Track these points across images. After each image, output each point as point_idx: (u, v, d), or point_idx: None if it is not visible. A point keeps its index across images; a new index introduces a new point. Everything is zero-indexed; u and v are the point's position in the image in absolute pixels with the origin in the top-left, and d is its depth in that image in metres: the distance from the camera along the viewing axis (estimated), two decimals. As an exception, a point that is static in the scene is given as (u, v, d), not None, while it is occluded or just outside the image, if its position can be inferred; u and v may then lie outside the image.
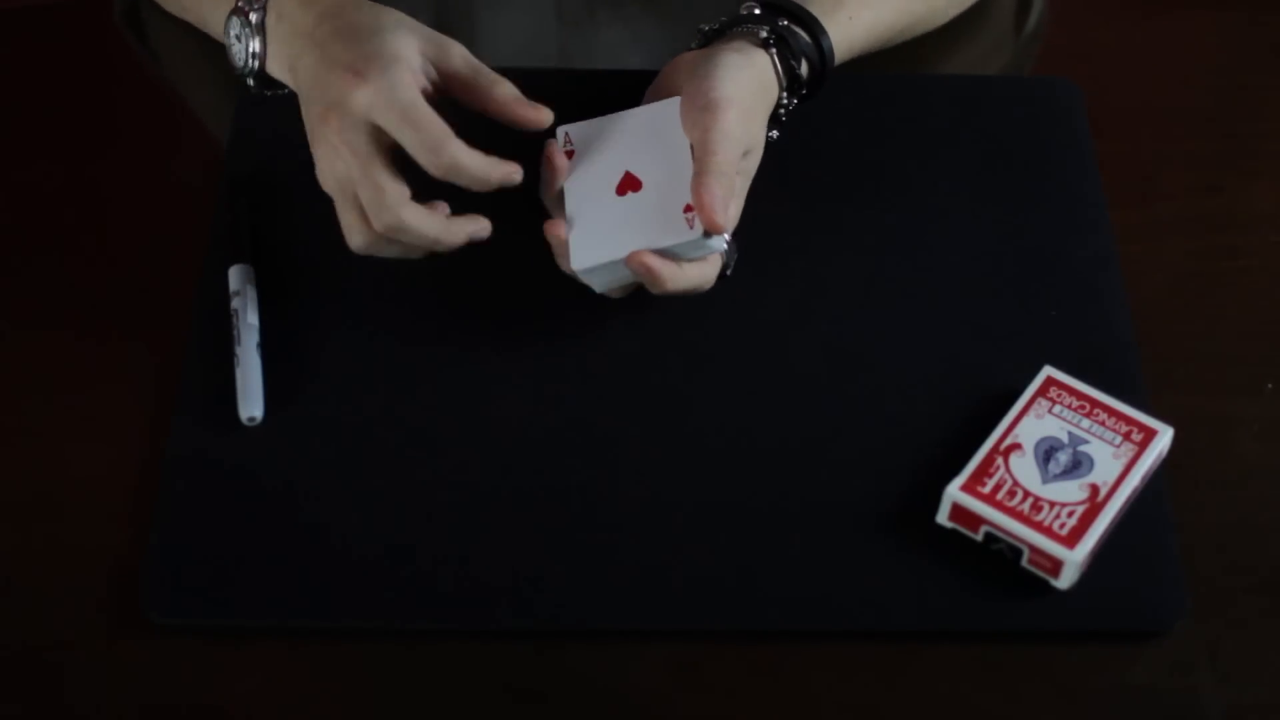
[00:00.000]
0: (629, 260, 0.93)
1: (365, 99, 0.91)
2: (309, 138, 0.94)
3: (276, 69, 0.98)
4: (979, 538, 0.91)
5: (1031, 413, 0.93)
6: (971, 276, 1.02)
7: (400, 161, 0.92)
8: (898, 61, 1.12)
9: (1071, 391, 0.94)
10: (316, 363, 0.98)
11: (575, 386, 0.97)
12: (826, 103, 1.04)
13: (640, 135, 0.97)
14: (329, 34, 0.94)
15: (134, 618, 0.89)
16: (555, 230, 0.96)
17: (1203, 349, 1.01)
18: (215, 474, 0.94)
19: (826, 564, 0.91)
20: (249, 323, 0.97)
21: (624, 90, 1.00)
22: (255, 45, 0.98)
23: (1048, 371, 0.95)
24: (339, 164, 0.93)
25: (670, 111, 0.97)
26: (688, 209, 0.93)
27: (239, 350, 0.96)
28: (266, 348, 0.97)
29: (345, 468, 0.94)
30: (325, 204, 0.99)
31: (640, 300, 1.00)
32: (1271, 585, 0.92)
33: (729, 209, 0.94)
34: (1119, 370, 0.97)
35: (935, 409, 0.96)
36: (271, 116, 1.04)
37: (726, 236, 0.95)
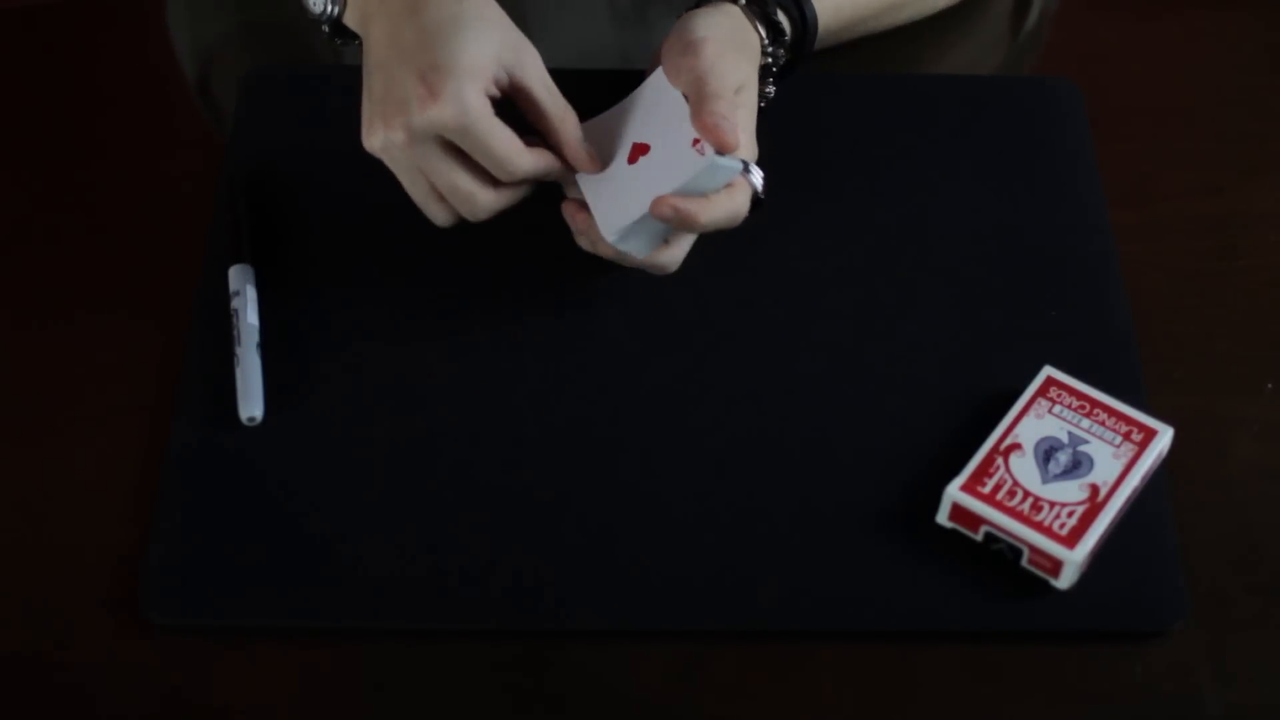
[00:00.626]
0: (654, 210, 0.93)
1: (435, 118, 0.91)
2: (367, 111, 0.94)
3: (353, 21, 0.97)
4: (979, 538, 0.91)
5: (1031, 413, 0.93)
6: (971, 276, 1.02)
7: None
8: (898, 62, 1.12)
9: (1071, 391, 0.94)
10: (316, 363, 0.98)
11: (576, 386, 0.97)
12: (826, 102, 1.04)
13: (639, 110, 0.98)
14: (404, 8, 0.93)
15: (134, 618, 0.89)
16: (569, 210, 0.96)
17: (1203, 349, 1.01)
18: (215, 474, 0.94)
19: (826, 564, 0.91)
20: (249, 323, 0.97)
21: None
22: (330, 4, 0.97)
23: (1048, 371, 0.95)
24: (405, 162, 0.93)
25: (658, 80, 0.98)
26: (695, 143, 0.94)
27: (239, 350, 0.96)
28: (266, 348, 0.97)
29: (345, 468, 0.94)
30: (325, 204, 0.99)
31: (641, 299, 1.00)
32: (1271, 585, 0.92)
33: (736, 129, 0.93)
34: (1119, 370, 0.97)
35: (935, 409, 0.96)
36: (272, 117, 1.04)
37: (743, 157, 0.95)
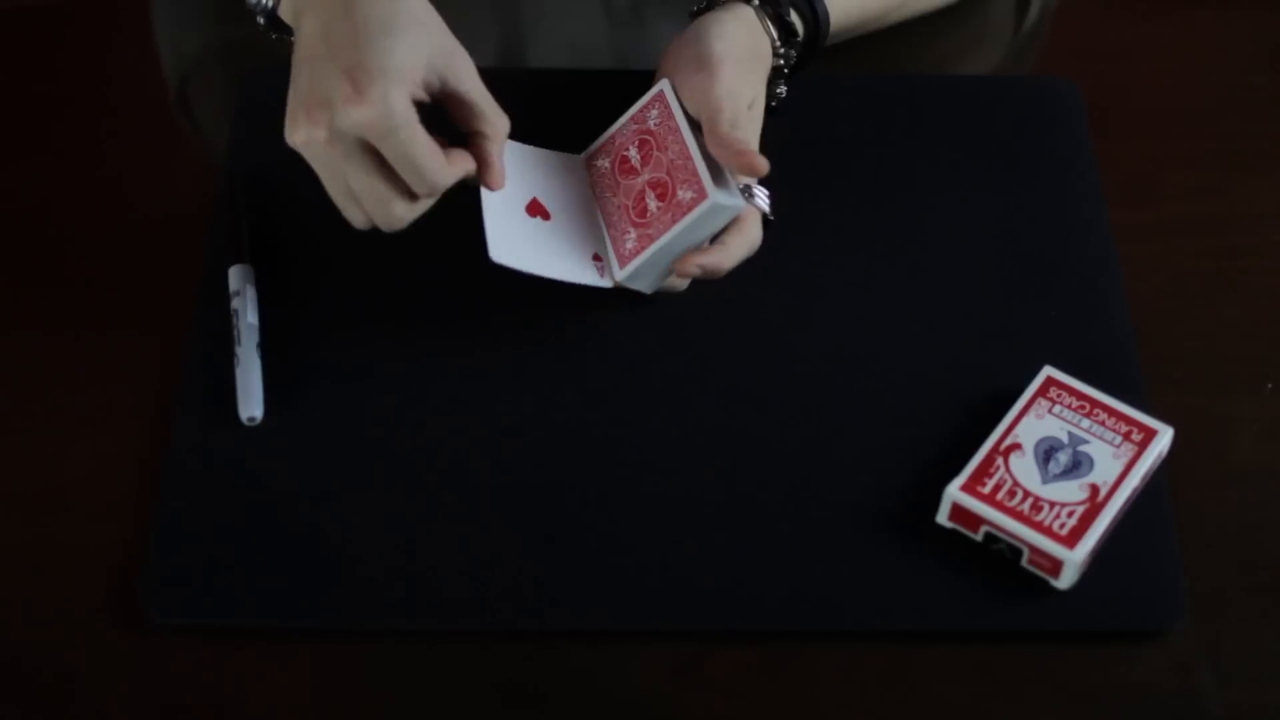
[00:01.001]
0: (680, 271, 0.95)
1: (359, 119, 0.89)
2: (291, 104, 0.92)
3: (287, 13, 0.96)
4: (979, 538, 0.91)
5: (1031, 413, 0.93)
6: (971, 276, 1.02)
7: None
8: (897, 61, 1.12)
9: (1071, 391, 0.94)
10: (316, 363, 0.98)
11: (575, 387, 0.97)
12: (827, 103, 1.04)
13: (645, 133, 0.98)
14: (339, 7, 0.92)
15: (134, 618, 0.89)
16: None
17: (1203, 349, 1.01)
18: (215, 474, 0.94)
19: (826, 564, 0.91)
20: (249, 323, 0.97)
21: None
22: None
23: (1048, 371, 0.95)
24: (325, 161, 0.92)
25: (660, 99, 0.98)
26: (695, 180, 0.94)
27: (239, 350, 0.96)
28: (266, 348, 0.97)
29: (345, 468, 0.94)
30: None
31: (640, 300, 1.00)
32: (1271, 585, 0.92)
33: (760, 157, 0.94)
34: (1119, 370, 0.97)
35: (935, 409, 0.96)
36: (272, 117, 1.04)
37: (737, 188, 0.96)
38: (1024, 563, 0.90)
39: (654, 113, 0.99)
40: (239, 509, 0.92)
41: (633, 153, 0.99)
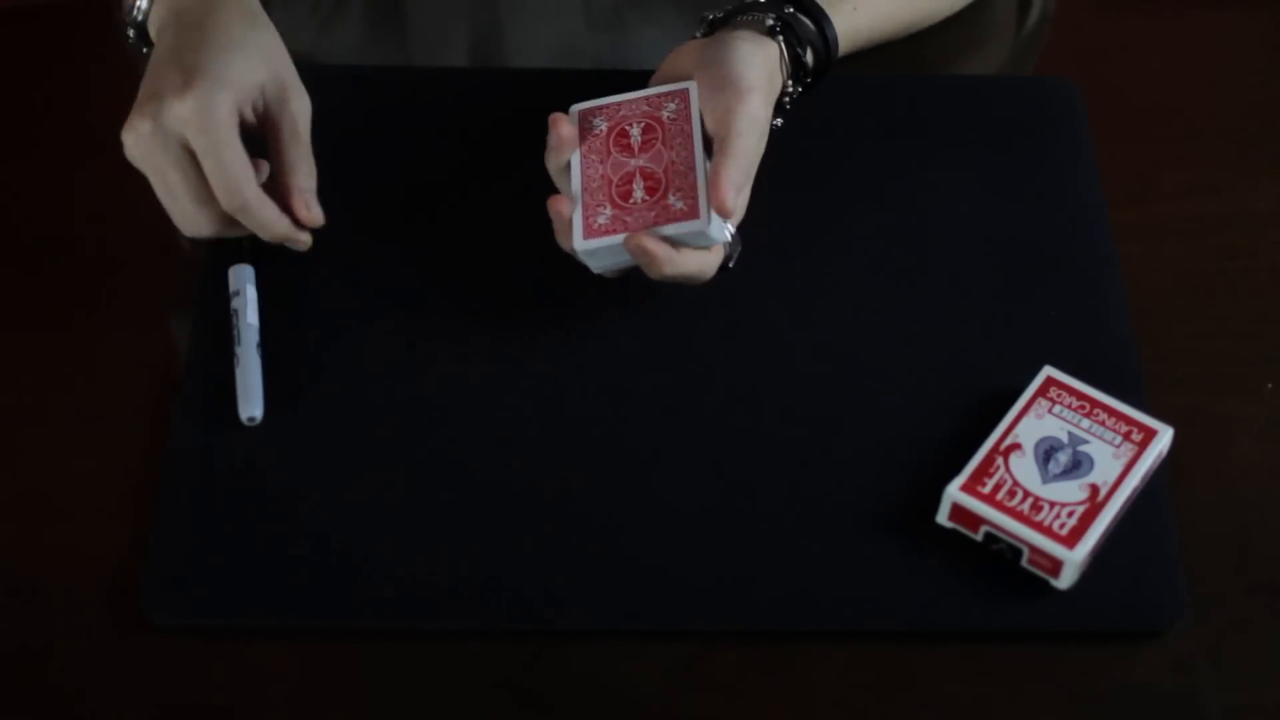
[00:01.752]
0: (626, 243, 0.93)
1: (181, 113, 0.92)
2: (135, 104, 0.95)
3: (153, 28, 0.99)
4: (979, 538, 0.91)
5: (1031, 413, 0.93)
6: (972, 276, 1.02)
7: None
8: (898, 61, 1.12)
9: (1071, 391, 0.94)
10: (316, 363, 0.98)
11: (575, 387, 0.97)
12: (827, 103, 1.04)
13: (653, 120, 0.97)
14: (194, 22, 0.95)
15: (134, 618, 0.89)
16: (558, 206, 0.95)
17: (1203, 349, 1.01)
18: (215, 474, 0.94)
19: (827, 564, 0.91)
20: (249, 323, 0.97)
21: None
22: (143, 2, 0.99)
23: (1048, 371, 0.95)
24: (146, 159, 0.94)
25: (683, 96, 0.97)
26: (692, 196, 0.93)
27: (239, 350, 0.96)
28: (266, 348, 0.97)
29: (345, 468, 0.94)
30: (325, 204, 0.99)
31: (640, 300, 1.00)
32: (1271, 585, 0.92)
33: (739, 201, 0.94)
34: (1119, 370, 0.97)
35: (935, 409, 0.96)
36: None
37: (730, 228, 0.95)
38: (1024, 563, 0.90)
39: (672, 105, 0.98)
40: (239, 509, 0.92)
41: (634, 131, 0.97)
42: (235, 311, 0.98)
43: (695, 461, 0.94)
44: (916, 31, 1.11)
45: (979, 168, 1.07)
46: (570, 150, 0.96)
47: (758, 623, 0.90)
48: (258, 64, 0.95)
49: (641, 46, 1.14)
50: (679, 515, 0.93)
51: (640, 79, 1.02)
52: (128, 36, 1.00)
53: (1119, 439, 0.92)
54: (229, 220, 0.95)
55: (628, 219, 0.94)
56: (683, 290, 0.99)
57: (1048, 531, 0.89)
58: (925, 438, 0.95)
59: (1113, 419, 0.93)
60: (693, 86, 0.98)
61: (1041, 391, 0.94)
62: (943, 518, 0.91)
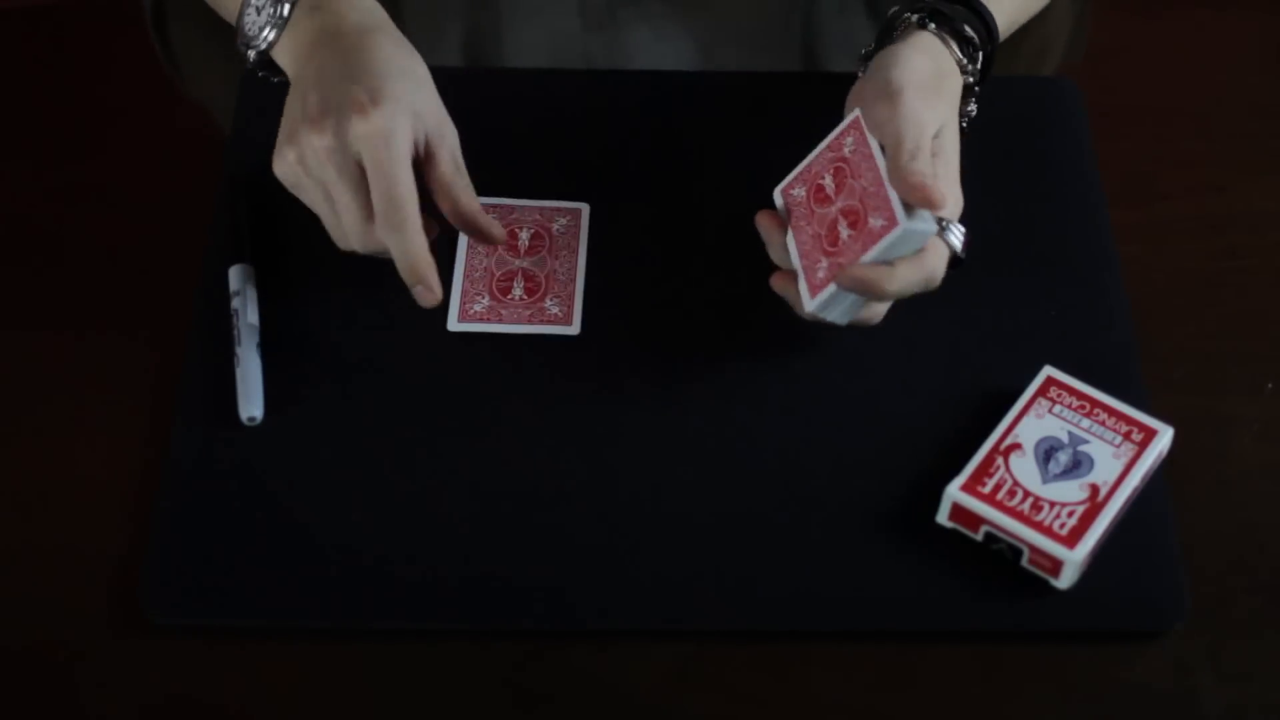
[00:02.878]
0: (839, 282, 0.92)
1: (365, 130, 0.91)
2: (286, 128, 0.94)
3: (288, 54, 0.98)
4: (979, 538, 0.91)
5: (1031, 413, 0.93)
6: (972, 276, 1.02)
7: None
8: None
9: (1071, 391, 0.94)
10: (316, 363, 0.98)
11: (576, 387, 0.97)
12: (827, 102, 1.04)
13: (838, 163, 0.97)
14: (353, 47, 0.94)
15: (134, 618, 0.89)
16: (779, 282, 0.95)
17: (1203, 349, 1.01)
18: (215, 474, 0.94)
19: (826, 564, 0.91)
20: (249, 323, 0.97)
21: (654, 90, 1.00)
22: (271, 34, 0.98)
23: (1048, 371, 0.95)
24: (317, 164, 0.93)
25: (856, 125, 0.97)
26: (886, 208, 0.92)
27: (239, 350, 0.96)
28: (266, 348, 0.97)
29: (345, 468, 0.94)
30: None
31: (642, 300, 1.00)
32: (1271, 585, 0.92)
33: (939, 188, 0.91)
34: (1119, 370, 0.97)
35: (935, 409, 0.96)
36: (272, 117, 1.04)
37: (943, 214, 0.93)
38: (1024, 563, 0.90)
39: (849, 140, 0.97)
40: (239, 509, 0.92)
41: (828, 180, 0.96)
42: (235, 311, 0.98)
43: (696, 462, 0.94)
44: (1037, 12, 1.11)
45: (979, 168, 1.07)
46: (781, 233, 0.96)
47: (758, 623, 0.90)
48: (425, 92, 0.95)
49: (635, 45, 1.14)
50: (679, 515, 0.92)
51: (634, 78, 1.02)
52: (246, 59, 0.99)
53: (1119, 439, 0.92)
54: (379, 243, 0.94)
55: (840, 259, 0.93)
56: (684, 287, 0.99)
57: (1048, 531, 0.89)
58: (925, 438, 0.95)
59: (1113, 419, 0.93)
60: (859, 112, 0.97)
61: (1041, 391, 0.94)
62: (943, 518, 0.91)
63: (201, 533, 0.92)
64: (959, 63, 0.99)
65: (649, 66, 1.11)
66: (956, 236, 0.94)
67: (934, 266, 0.93)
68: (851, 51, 1.06)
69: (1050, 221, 1.05)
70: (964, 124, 1.01)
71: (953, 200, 0.94)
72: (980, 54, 1.00)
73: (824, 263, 0.93)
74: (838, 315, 0.95)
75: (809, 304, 0.94)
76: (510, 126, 1.06)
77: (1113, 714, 0.88)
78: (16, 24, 1.16)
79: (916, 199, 0.90)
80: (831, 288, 0.92)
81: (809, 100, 1.04)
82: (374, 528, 0.92)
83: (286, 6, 0.97)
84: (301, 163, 0.93)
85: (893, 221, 0.91)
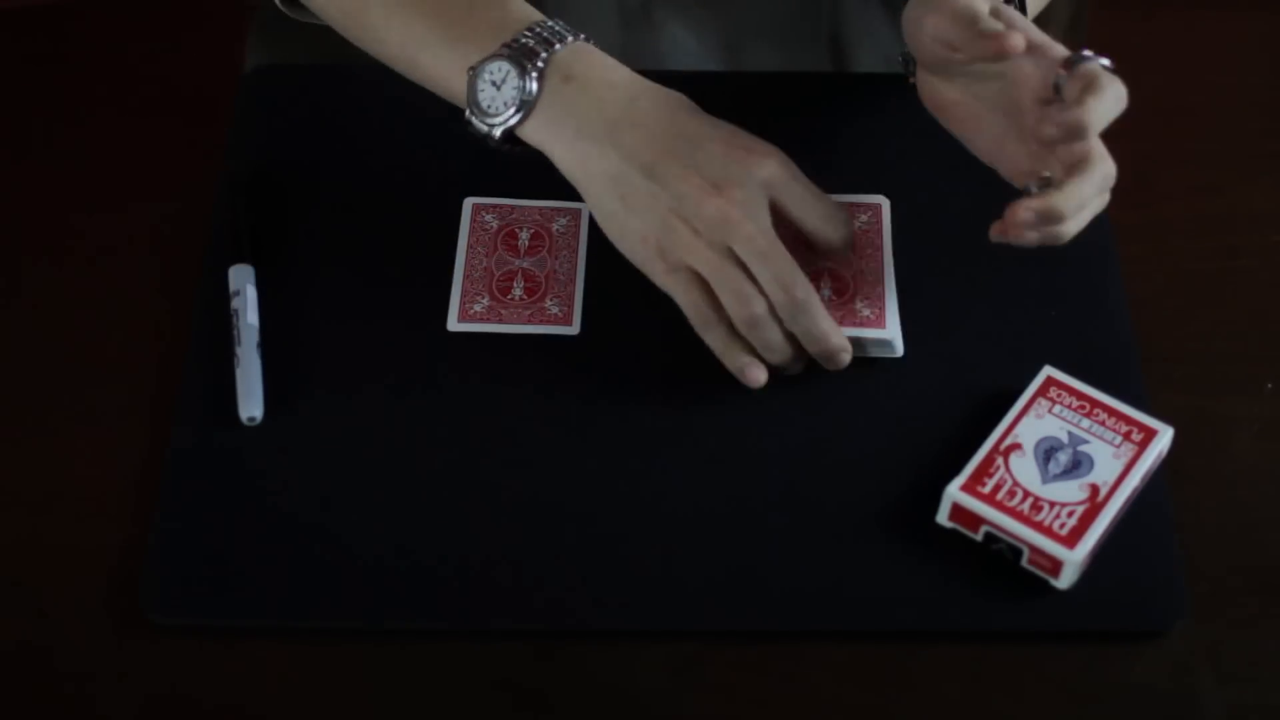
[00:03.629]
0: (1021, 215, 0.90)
1: (771, 168, 0.91)
2: (652, 214, 0.92)
3: (537, 129, 0.94)
4: (979, 538, 0.91)
5: (1031, 413, 0.93)
6: (972, 276, 1.02)
7: None
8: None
9: (1071, 391, 0.94)
10: (316, 363, 0.98)
11: (576, 387, 0.97)
12: (827, 102, 1.04)
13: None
14: (666, 101, 0.93)
15: (134, 618, 0.89)
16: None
17: (1203, 349, 1.01)
18: (215, 474, 0.94)
19: (826, 564, 0.91)
20: (249, 323, 0.97)
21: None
22: (532, 86, 0.93)
23: (1048, 371, 0.95)
24: (730, 236, 0.91)
25: (875, 210, 1.01)
26: (879, 306, 0.97)
27: (239, 350, 0.96)
28: (266, 348, 0.97)
29: (345, 468, 0.94)
30: (325, 204, 0.99)
31: (642, 299, 1.00)
32: (1271, 585, 0.92)
33: (1017, 32, 0.90)
34: (1119, 370, 0.97)
35: (935, 409, 0.96)
36: (272, 117, 1.04)
37: (898, 338, 0.97)
38: (1024, 563, 0.90)
39: (864, 217, 1.01)
40: (239, 509, 0.92)
41: None
42: (235, 311, 0.98)
43: (696, 461, 0.94)
44: None
45: (979, 167, 1.07)
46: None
47: (758, 623, 0.90)
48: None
49: (671, 44, 1.14)
50: (679, 515, 0.92)
51: (669, 78, 1.01)
52: (489, 136, 0.95)
53: (1119, 439, 0.92)
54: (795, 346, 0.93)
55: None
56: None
57: (1048, 531, 0.89)
58: (925, 438, 0.95)
59: (1113, 419, 0.93)
60: (885, 201, 1.01)
61: (1041, 391, 0.94)
62: (943, 518, 0.91)
63: (201, 533, 0.92)
64: None
65: (684, 63, 1.11)
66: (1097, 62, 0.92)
67: (1116, 90, 0.91)
68: (875, 48, 1.06)
69: (1050, 221, 1.04)
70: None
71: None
72: None
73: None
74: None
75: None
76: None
77: (1113, 714, 0.88)
78: (16, 24, 1.16)
79: (1004, 48, 0.88)
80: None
81: (833, 101, 1.04)
82: (374, 528, 0.92)
83: (533, 83, 0.93)
84: (725, 227, 0.91)
85: (881, 322, 0.97)
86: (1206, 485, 0.95)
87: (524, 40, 0.94)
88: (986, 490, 0.90)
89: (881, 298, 0.97)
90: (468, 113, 0.96)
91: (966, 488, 0.90)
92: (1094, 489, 0.90)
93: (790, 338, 0.94)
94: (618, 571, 0.91)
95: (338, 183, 1.05)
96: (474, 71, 0.95)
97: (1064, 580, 0.89)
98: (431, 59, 0.98)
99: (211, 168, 1.07)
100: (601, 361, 0.98)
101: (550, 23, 0.96)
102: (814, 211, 0.94)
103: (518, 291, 1.00)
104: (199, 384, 0.97)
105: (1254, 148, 1.12)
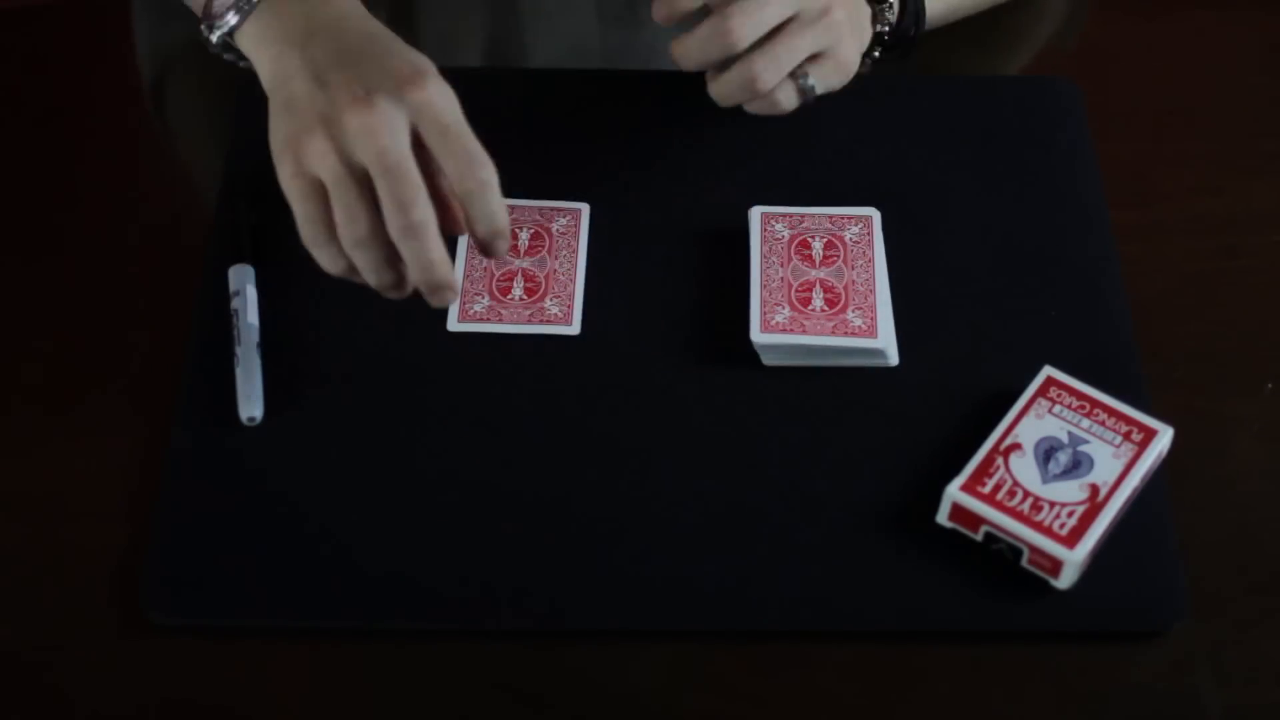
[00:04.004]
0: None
1: (422, 99, 0.86)
2: (294, 122, 0.88)
3: (249, 41, 0.93)
4: (979, 538, 0.91)
5: (1031, 413, 0.93)
6: (972, 276, 1.02)
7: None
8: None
9: (1071, 391, 0.94)
10: (316, 363, 0.98)
11: (576, 387, 0.97)
12: (826, 102, 1.04)
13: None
14: (355, 31, 0.90)
15: (134, 618, 0.89)
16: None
17: (1203, 349, 1.01)
18: (215, 474, 0.94)
19: (826, 564, 0.91)
20: (249, 323, 0.97)
21: (655, 91, 1.00)
22: (233, 14, 0.93)
23: (1048, 371, 0.95)
24: (349, 176, 0.87)
25: (867, 221, 1.02)
26: (871, 316, 0.98)
27: (239, 350, 0.96)
28: (266, 348, 0.97)
29: (345, 468, 0.94)
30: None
31: (642, 299, 1.00)
32: (1271, 585, 0.92)
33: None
34: (1119, 370, 0.97)
35: (935, 409, 0.96)
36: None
37: (893, 347, 0.98)
38: (1024, 563, 0.90)
39: (856, 228, 1.01)
40: (239, 509, 0.92)
41: (816, 245, 1.00)
42: (235, 311, 0.98)
43: (695, 461, 0.94)
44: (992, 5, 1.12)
45: (979, 168, 1.07)
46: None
47: (758, 623, 0.90)
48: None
49: (654, 43, 1.14)
50: (679, 515, 0.92)
51: (653, 78, 1.02)
52: (209, 41, 0.95)
53: (1119, 439, 0.92)
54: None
55: (805, 323, 0.97)
56: (684, 287, 0.99)
57: (1048, 531, 0.89)
58: (925, 438, 0.95)
59: (1113, 419, 0.93)
60: (875, 215, 1.01)
61: (1041, 391, 0.94)
62: (943, 518, 0.91)
63: (201, 533, 0.92)
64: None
65: (668, 63, 1.11)
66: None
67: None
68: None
69: (1050, 221, 1.05)
70: (868, 63, 1.04)
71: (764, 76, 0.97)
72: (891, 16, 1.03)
73: (786, 311, 0.98)
74: (768, 357, 0.98)
75: (757, 334, 0.97)
76: (509, 127, 1.06)
77: (1113, 714, 0.88)
78: (16, 23, 1.16)
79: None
80: (785, 339, 0.97)
81: (829, 98, 1.04)
82: (374, 528, 0.92)
83: None
84: (362, 137, 0.86)
85: (873, 332, 0.97)
86: (1206, 485, 0.95)
87: None
88: (986, 490, 0.90)
89: (874, 308, 0.98)
90: (200, 20, 0.94)
91: (966, 488, 0.90)
92: (1094, 489, 0.90)
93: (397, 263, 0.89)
94: (617, 571, 0.91)
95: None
96: None
97: (1064, 580, 0.89)
98: None
99: (212, 168, 1.07)
100: (602, 361, 0.98)
101: None
102: (452, 155, 0.87)
103: (518, 291, 1.00)
104: (199, 384, 0.97)
105: (1254, 148, 1.12)
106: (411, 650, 0.89)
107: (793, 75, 0.99)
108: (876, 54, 1.05)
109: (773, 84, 0.98)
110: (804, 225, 1.01)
